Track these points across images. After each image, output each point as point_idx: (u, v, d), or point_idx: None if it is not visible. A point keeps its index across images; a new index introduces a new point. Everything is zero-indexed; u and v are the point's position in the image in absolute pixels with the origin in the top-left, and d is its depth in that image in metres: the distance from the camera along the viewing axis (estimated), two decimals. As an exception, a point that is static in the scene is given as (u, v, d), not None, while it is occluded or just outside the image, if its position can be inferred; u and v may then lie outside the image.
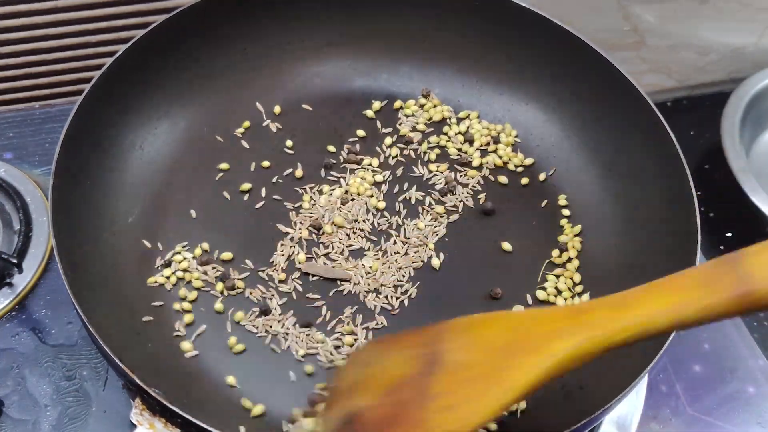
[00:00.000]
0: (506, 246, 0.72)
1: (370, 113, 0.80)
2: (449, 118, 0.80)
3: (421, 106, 0.81)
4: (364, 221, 0.73)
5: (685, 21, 1.00)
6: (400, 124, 0.80)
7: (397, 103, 0.81)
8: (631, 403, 0.70)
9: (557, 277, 0.71)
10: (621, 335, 0.46)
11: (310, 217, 0.72)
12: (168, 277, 0.68)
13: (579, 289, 0.70)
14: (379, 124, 0.80)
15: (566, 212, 0.75)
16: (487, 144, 0.79)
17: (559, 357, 0.46)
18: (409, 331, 0.55)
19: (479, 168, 0.78)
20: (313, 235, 0.71)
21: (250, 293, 0.68)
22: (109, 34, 0.90)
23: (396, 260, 0.71)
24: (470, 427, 0.47)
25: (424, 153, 0.78)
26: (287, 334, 0.66)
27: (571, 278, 0.71)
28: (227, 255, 0.70)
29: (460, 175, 0.77)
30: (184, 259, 0.69)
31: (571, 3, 0.93)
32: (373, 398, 0.50)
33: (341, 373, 0.56)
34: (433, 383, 0.48)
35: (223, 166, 0.75)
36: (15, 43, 0.88)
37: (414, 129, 0.80)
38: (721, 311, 0.44)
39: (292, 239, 0.71)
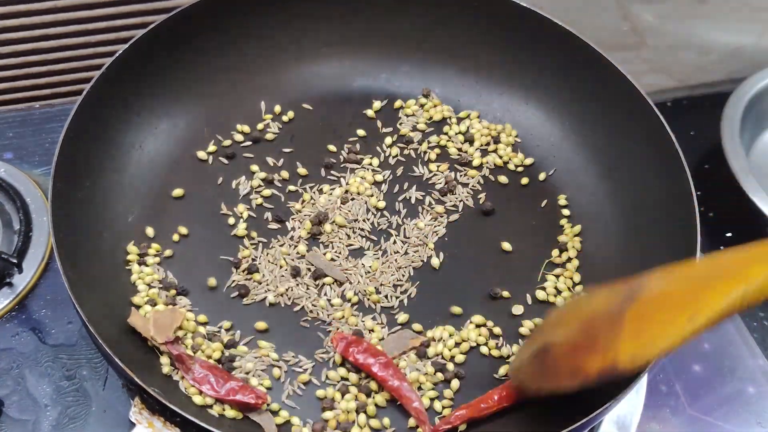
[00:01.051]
0: (506, 246, 0.72)
1: (370, 113, 0.80)
2: (449, 118, 0.80)
3: (422, 106, 0.81)
4: (364, 221, 0.73)
5: (685, 21, 1.00)
6: (400, 124, 0.80)
7: (398, 103, 0.81)
8: (631, 403, 0.70)
9: (557, 277, 0.71)
10: None
11: (310, 216, 0.72)
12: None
13: (579, 289, 0.70)
14: (379, 123, 0.80)
15: (566, 212, 0.75)
16: (487, 144, 0.79)
17: (758, 281, 0.45)
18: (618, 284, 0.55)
19: (479, 168, 0.78)
20: (314, 232, 0.71)
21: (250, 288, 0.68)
22: (109, 34, 0.90)
23: (396, 260, 0.71)
24: (654, 352, 0.48)
25: (424, 153, 0.78)
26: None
27: (571, 278, 0.71)
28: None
29: (460, 175, 0.77)
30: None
31: (571, 3, 0.93)
32: (570, 331, 0.54)
33: (553, 313, 0.60)
34: (626, 314, 0.50)
35: (224, 166, 0.75)
36: (15, 43, 0.88)
37: (414, 129, 0.80)
38: None
39: (292, 238, 0.71)
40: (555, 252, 0.72)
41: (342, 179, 0.75)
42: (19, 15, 0.86)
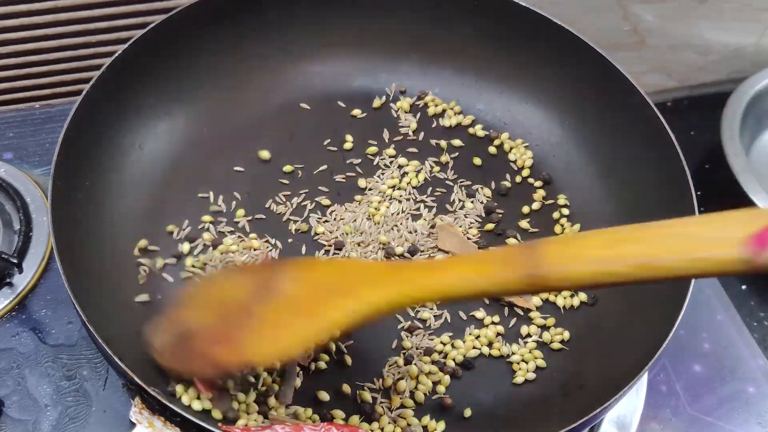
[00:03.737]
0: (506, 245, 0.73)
1: (369, 113, 0.80)
2: (445, 111, 0.81)
3: (425, 105, 0.81)
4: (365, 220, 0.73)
5: (685, 21, 1.01)
6: (399, 124, 0.80)
7: (398, 103, 0.81)
8: (631, 403, 0.70)
9: (557, 276, 0.71)
10: (426, 293, 0.53)
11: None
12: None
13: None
14: (378, 123, 0.79)
15: (566, 212, 0.75)
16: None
17: (370, 303, 0.52)
18: (257, 263, 0.65)
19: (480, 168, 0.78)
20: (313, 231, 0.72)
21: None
22: (109, 34, 0.90)
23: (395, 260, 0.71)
24: (280, 353, 0.54)
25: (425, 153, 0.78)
26: None
27: (571, 278, 0.71)
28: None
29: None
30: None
31: (571, 3, 0.93)
32: (210, 318, 0.57)
33: (192, 291, 0.63)
34: (259, 311, 0.55)
35: (223, 166, 0.75)
36: (15, 43, 0.88)
37: (414, 130, 0.80)
38: (513, 287, 0.50)
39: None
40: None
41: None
42: (19, 15, 0.86)
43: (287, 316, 0.54)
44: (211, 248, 0.69)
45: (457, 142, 0.79)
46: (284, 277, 0.56)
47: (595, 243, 0.49)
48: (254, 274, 0.59)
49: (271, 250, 0.70)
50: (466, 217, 0.74)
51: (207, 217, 0.71)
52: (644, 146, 0.72)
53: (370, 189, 0.75)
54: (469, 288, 0.51)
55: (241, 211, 0.72)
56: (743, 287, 0.86)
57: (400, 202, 0.74)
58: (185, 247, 0.69)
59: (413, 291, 0.52)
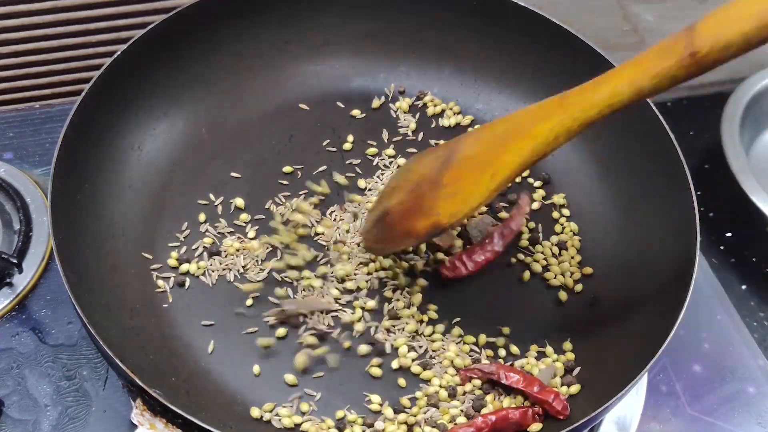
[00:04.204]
0: (505, 245, 0.73)
1: (368, 113, 0.80)
2: (445, 111, 0.81)
3: (424, 105, 0.81)
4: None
5: (684, 21, 1.00)
6: (398, 124, 0.80)
7: (397, 104, 0.81)
8: (631, 403, 0.70)
9: (555, 275, 0.71)
10: (593, 110, 0.53)
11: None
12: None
13: (578, 287, 0.70)
14: (377, 123, 0.79)
15: (565, 211, 0.75)
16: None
17: (542, 137, 0.54)
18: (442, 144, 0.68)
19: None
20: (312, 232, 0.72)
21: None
22: (109, 34, 0.90)
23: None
24: (467, 208, 0.56)
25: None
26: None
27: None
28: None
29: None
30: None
31: (571, 3, 0.93)
32: (401, 196, 0.62)
33: (389, 180, 0.69)
34: (443, 176, 0.58)
35: (222, 167, 0.75)
36: (15, 43, 0.88)
37: (414, 131, 0.80)
38: (676, 72, 0.50)
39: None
40: (555, 250, 0.72)
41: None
42: (19, 15, 0.86)
43: (468, 173, 0.57)
44: (210, 249, 0.69)
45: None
46: (462, 144, 0.59)
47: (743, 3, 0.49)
48: (438, 150, 0.64)
49: (270, 251, 0.70)
50: (466, 217, 0.74)
51: (206, 218, 0.72)
52: (644, 146, 0.72)
53: (369, 189, 0.75)
54: (636, 90, 0.52)
55: (240, 212, 0.72)
56: (743, 287, 0.86)
57: (400, 202, 0.74)
58: (184, 248, 0.69)
59: (582, 111, 0.53)
